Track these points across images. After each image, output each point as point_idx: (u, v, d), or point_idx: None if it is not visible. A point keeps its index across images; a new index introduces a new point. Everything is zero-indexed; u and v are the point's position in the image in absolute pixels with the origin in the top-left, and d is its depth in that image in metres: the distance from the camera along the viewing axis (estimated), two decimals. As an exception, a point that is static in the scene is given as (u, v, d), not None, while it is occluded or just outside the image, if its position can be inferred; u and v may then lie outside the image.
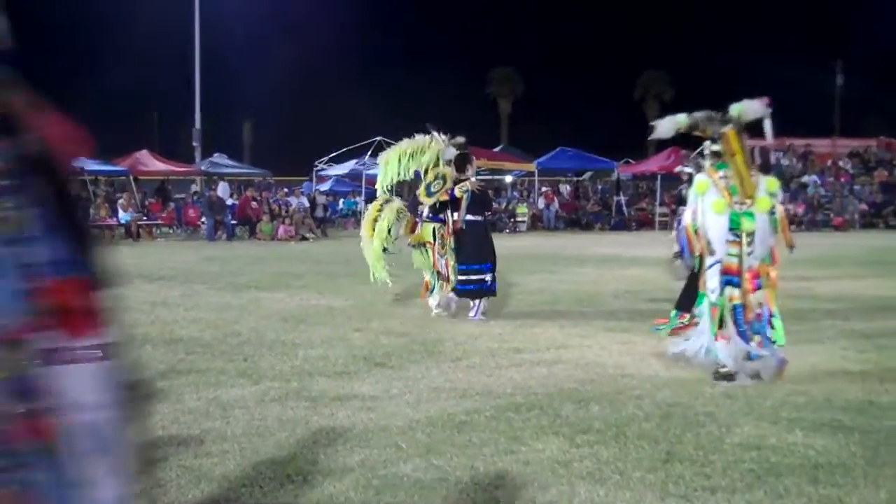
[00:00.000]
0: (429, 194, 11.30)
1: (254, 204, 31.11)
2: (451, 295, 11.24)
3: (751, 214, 7.42)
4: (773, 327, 7.63)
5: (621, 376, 7.56)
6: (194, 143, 41.22)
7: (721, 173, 7.50)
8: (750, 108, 7.63)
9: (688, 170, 17.89)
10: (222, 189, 33.78)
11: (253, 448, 5.49)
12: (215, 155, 41.41)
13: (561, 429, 5.88)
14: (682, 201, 17.81)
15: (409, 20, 74.06)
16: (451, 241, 11.27)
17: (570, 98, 62.97)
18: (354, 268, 17.89)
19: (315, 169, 43.09)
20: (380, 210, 11.81)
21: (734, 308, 7.47)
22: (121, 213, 29.85)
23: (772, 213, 7.56)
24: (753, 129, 7.76)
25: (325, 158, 42.97)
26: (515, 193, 41.19)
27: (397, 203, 11.82)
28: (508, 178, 43.19)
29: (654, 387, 7.13)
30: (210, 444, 5.58)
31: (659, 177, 38.24)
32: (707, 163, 7.68)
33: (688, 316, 8.99)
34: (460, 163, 11.40)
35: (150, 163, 36.63)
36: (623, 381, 7.39)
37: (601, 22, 74.00)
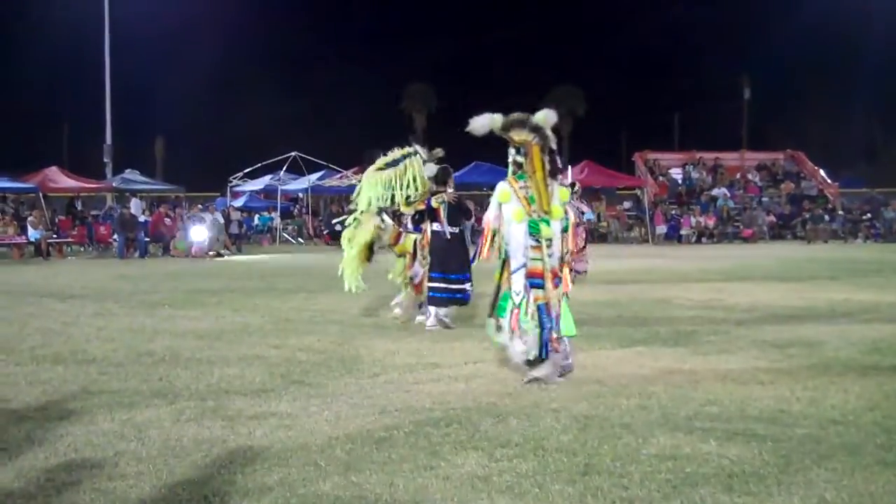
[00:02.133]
0: (408, 204, 11.51)
1: (167, 220, 30.67)
2: (420, 302, 11.63)
3: (547, 221, 7.90)
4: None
5: (538, 389, 7.60)
6: (105, 160, 40.66)
7: (521, 183, 7.98)
8: (549, 115, 8.09)
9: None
10: (135, 206, 33.30)
11: (169, 469, 5.40)
12: (127, 171, 40.84)
13: (480, 443, 5.89)
14: None
15: (324, 35, 73.89)
16: (426, 251, 11.45)
17: (484, 112, 62.90)
18: (270, 284, 17.80)
19: (229, 184, 42.73)
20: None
21: (538, 307, 7.85)
22: (30, 231, 29.23)
23: (565, 219, 8.09)
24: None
25: (240, 174, 42.67)
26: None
27: (377, 220, 11.88)
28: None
29: (570, 399, 7.18)
30: (125, 465, 5.47)
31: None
32: (509, 171, 8.14)
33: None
34: (442, 176, 11.59)
35: (60, 179, 35.92)
36: (540, 394, 7.42)
37: (514, 37, 74.75)
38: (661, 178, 43.88)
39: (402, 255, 11.91)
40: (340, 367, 8.70)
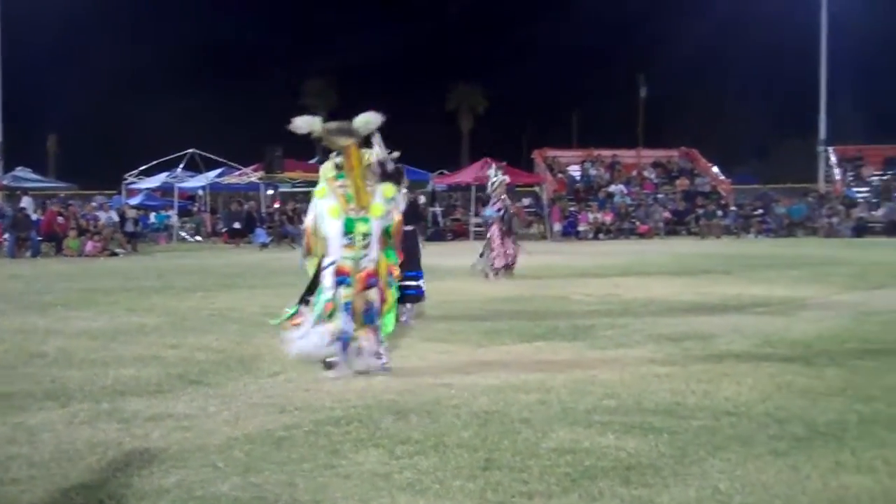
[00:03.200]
0: None
1: (60, 219, 29.93)
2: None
3: (366, 219, 8.11)
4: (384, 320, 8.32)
5: (439, 386, 7.62)
6: (-5, 157, 39.57)
7: (339, 182, 8.17)
8: (372, 119, 8.23)
9: (495, 177, 18.43)
10: (26, 204, 32.45)
11: (63, 473, 5.28)
12: (18, 169, 39.82)
13: (380, 441, 5.88)
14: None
15: (221, 32, 72.88)
16: None
17: (385, 110, 62.94)
18: (167, 283, 17.52)
19: (124, 182, 41.95)
20: None
21: (344, 305, 8.10)
22: (-85, 231, 28.32)
23: (389, 218, 8.35)
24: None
25: (136, 171, 41.92)
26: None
27: None
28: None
29: (471, 395, 7.21)
30: (17, 470, 5.33)
31: (473, 188, 38.83)
32: (330, 173, 8.29)
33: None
34: (396, 177, 11.65)
35: (-53, 178, 34.91)
36: (440, 390, 7.44)
37: (414, 34, 74.71)
38: (559, 175, 44.37)
39: None
40: (239, 367, 8.61)
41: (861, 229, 36.70)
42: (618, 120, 61.24)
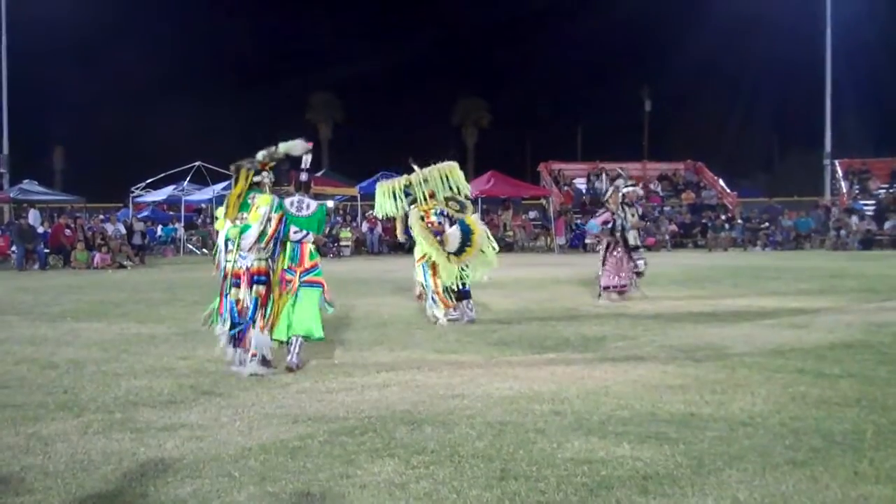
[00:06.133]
0: (462, 210, 13.08)
1: (67, 231, 29.98)
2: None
3: (245, 227, 8.82)
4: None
5: (452, 396, 7.60)
6: (1, 170, 39.67)
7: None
8: (294, 146, 9.28)
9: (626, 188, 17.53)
10: (33, 217, 32.53)
11: (78, 483, 5.27)
12: (25, 181, 39.87)
13: (395, 451, 5.86)
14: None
15: (226, 45, 73.09)
16: None
17: (391, 123, 63.63)
18: (175, 295, 17.51)
19: (131, 195, 41.98)
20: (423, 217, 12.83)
21: (231, 304, 8.87)
22: (-76, 244, 28.36)
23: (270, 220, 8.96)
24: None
25: (142, 184, 41.92)
26: (338, 218, 40.98)
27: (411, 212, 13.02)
28: (330, 203, 42.98)
29: (484, 406, 7.20)
30: (32, 480, 5.32)
31: (479, 200, 38.84)
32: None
33: None
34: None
35: (-46, 191, 35.00)
36: (454, 401, 7.43)
37: (419, 50, 74.96)
38: (566, 188, 44.38)
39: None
40: (250, 378, 8.59)
41: (868, 242, 36.63)
42: (622, 133, 61.38)
